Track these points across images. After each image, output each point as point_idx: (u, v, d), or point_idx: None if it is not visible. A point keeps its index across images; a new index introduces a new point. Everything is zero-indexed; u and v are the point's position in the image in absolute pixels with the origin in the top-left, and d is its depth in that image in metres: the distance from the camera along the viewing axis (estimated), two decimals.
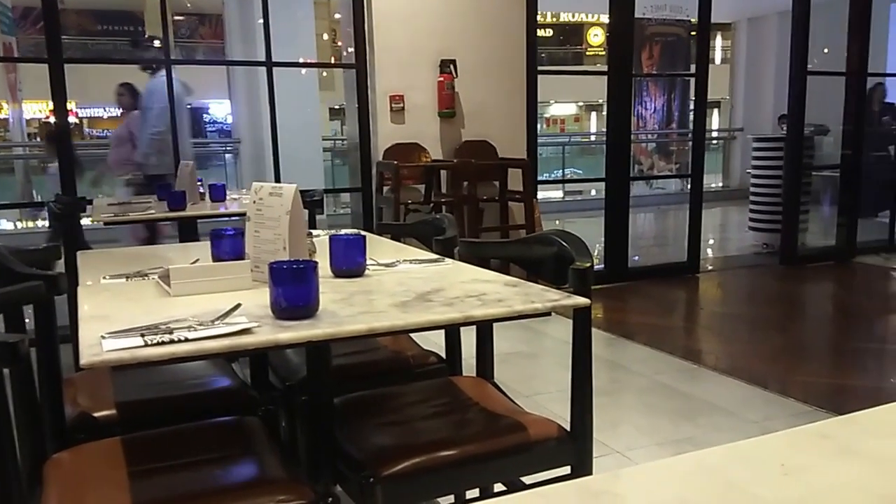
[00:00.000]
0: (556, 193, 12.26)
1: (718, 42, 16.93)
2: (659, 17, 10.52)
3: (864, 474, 0.57)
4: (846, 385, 3.32)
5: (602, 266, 5.62)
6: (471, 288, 1.39)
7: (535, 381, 3.29)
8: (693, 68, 5.82)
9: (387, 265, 1.63)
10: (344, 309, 1.23)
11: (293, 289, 1.16)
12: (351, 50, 4.75)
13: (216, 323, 1.12)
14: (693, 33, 5.93)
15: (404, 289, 1.39)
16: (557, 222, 9.81)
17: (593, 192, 10.73)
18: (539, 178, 5.38)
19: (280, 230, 1.41)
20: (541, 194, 5.41)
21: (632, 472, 0.58)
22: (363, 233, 1.92)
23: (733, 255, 6.89)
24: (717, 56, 17.05)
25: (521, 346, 3.81)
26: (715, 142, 13.08)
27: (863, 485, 0.55)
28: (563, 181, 12.33)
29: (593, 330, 4.70)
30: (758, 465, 0.58)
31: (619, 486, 0.56)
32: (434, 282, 1.46)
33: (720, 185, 12.36)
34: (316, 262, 1.22)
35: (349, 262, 1.51)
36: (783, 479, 0.56)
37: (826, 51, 6.75)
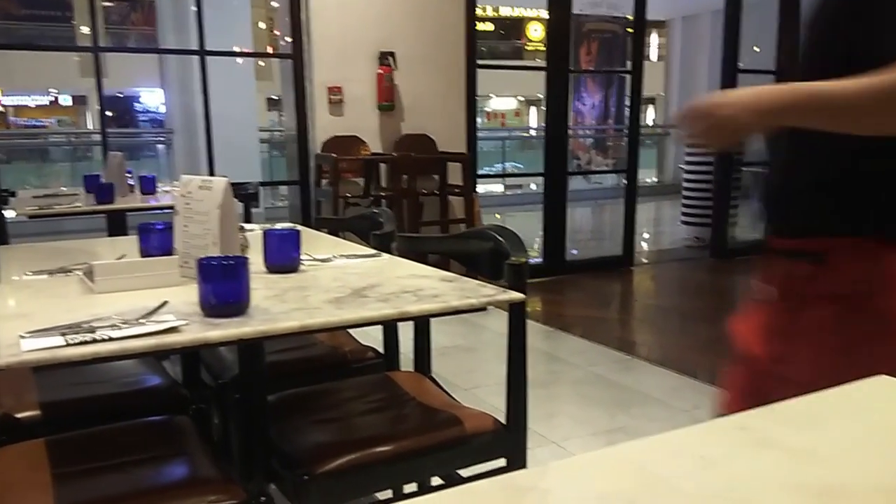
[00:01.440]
0: (496, 187, 12.36)
1: (654, 39, 17.33)
2: (596, 13, 10.69)
3: (779, 465, 0.59)
4: None
5: (540, 259, 5.70)
6: (407, 283, 1.39)
7: (474, 375, 3.32)
8: (629, 65, 5.94)
9: (322, 260, 1.61)
10: (277, 305, 1.21)
11: (223, 285, 1.13)
12: (289, 39, 4.67)
13: (142, 321, 1.09)
14: (630, 30, 6.04)
15: (339, 284, 1.37)
16: (498, 216, 9.90)
17: (533, 187, 10.86)
18: (479, 172, 5.42)
19: (210, 225, 1.38)
20: (481, 188, 5.44)
21: (558, 466, 0.59)
22: (299, 227, 1.89)
23: (667, 248, 7.09)
24: (654, 53, 17.46)
25: (461, 340, 3.83)
26: (650, 138, 13.40)
27: (778, 475, 0.57)
28: (504, 175, 12.44)
29: (532, 323, 4.75)
30: (679, 457, 0.60)
31: (546, 482, 0.57)
32: (370, 277, 1.45)
33: (655, 180, 12.68)
34: (246, 258, 1.20)
35: (283, 257, 1.49)
36: (703, 471, 0.58)
37: (757, 49, 6.97)
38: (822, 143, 1.02)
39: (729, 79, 5.96)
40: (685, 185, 7.08)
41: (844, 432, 0.66)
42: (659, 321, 4.65)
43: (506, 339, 1.51)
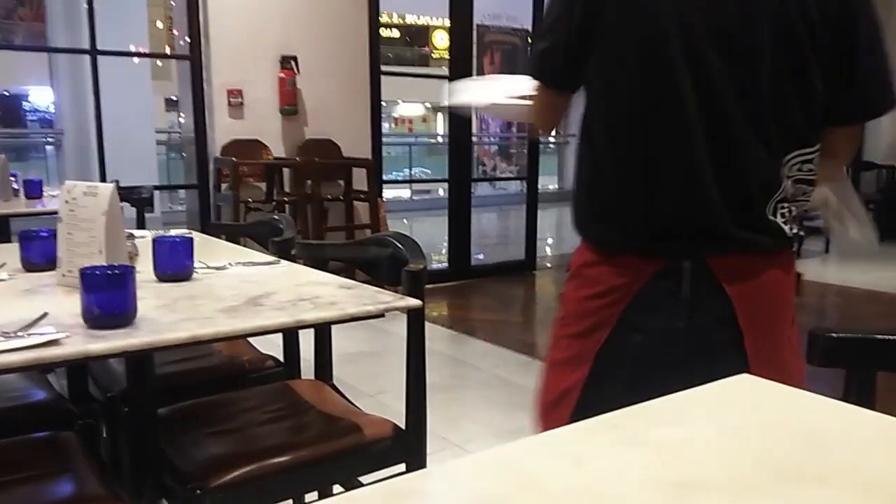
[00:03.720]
0: (404, 192, 12.40)
1: None
2: (497, 25, 10.92)
3: (645, 461, 0.63)
4: None
5: (446, 265, 5.76)
6: (305, 291, 1.38)
7: (379, 380, 3.32)
8: None
9: (217, 268, 1.57)
10: (166, 316, 1.17)
11: (107, 296, 1.09)
12: (188, 39, 4.53)
13: (20, 334, 1.03)
14: (530, 41, 6.21)
15: (234, 293, 1.35)
16: (405, 221, 9.93)
17: (441, 192, 10.97)
18: (385, 177, 5.42)
19: (96, 233, 1.32)
20: (388, 193, 5.46)
21: (440, 470, 0.61)
22: (194, 233, 1.84)
23: (567, 252, 7.28)
24: None
25: (366, 346, 3.82)
26: (551, 146, 13.79)
27: (646, 472, 0.61)
28: (410, 181, 12.48)
29: (437, 327, 4.79)
30: (553, 457, 0.63)
31: (428, 485, 0.59)
32: (267, 285, 1.43)
33: (556, 186, 13.06)
34: (132, 267, 1.16)
35: (175, 265, 1.44)
36: (574, 469, 0.61)
37: None
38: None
39: None
40: None
41: (708, 429, 0.71)
42: None
43: None
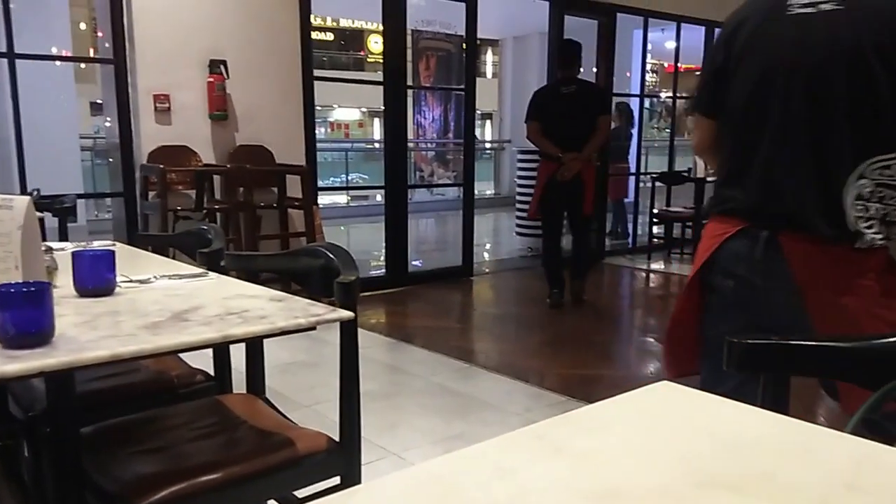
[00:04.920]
0: (341, 198, 12.29)
1: (490, 57, 18.06)
2: (431, 31, 10.97)
3: (568, 470, 0.65)
4: (597, 375, 3.70)
5: (383, 271, 5.74)
6: (233, 304, 1.35)
7: (315, 391, 3.28)
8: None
9: (141, 282, 1.53)
10: (86, 333, 1.13)
11: (22, 314, 1.05)
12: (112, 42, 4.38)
13: None
14: (465, 46, 6.26)
15: (159, 308, 1.31)
16: (343, 228, 9.84)
17: (378, 198, 10.92)
18: (322, 183, 5.36)
19: (11, 248, 1.27)
20: (326, 199, 5.40)
21: (366, 487, 0.61)
22: (117, 245, 1.78)
23: (504, 258, 7.38)
24: (489, 70, 18.18)
25: (303, 355, 3.77)
26: (488, 152, 13.92)
27: (568, 482, 0.63)
28: (345, 188, 12.38)
29: (375, 335, 4.74)
30: (477, 470, 0.64)
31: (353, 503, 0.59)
32: (193, 299, 1.39)
33: (493, 192, 13.18)
34: (49, 284, 1.11)
35: (96, 279, 1.40)
36: (498, 481, 0.62)
37: (582, 70, 7.45)
38: None
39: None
40: (518, 197, 7.43)
41: (628, 437, 0.73)
42: (496, 329, 4.84)
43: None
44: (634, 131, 8.40)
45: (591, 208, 5.04)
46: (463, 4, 5.78)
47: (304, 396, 3.20)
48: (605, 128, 4.86)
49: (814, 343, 0.89)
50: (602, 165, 7.01)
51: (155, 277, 1.57)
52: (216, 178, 4.63)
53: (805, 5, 1.41)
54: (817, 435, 0.71)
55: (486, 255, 7.57)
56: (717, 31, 6.77)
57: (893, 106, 1.33)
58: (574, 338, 4.50)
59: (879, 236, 1.36)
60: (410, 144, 12.15)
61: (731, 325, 1.49)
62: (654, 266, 6.84)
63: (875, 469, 0.66)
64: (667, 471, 0.65)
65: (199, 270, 1.70)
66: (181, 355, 1.95)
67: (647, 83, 10.50)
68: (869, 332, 1.23)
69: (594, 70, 6.87)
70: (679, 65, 8.12)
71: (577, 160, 4.69)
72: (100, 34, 4.61)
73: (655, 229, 7.34)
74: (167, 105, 4.42)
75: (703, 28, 7.63)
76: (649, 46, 8.51)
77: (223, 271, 1.76)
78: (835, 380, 0.87)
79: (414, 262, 6.54)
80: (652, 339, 4.50)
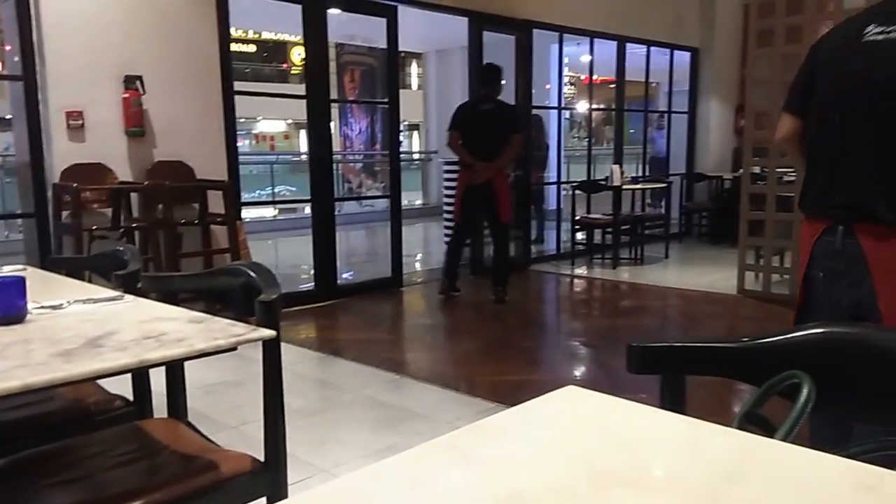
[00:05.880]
0: (269, 212, 12.09)
1: (415, 69, 18.18)
2: (353, 44, 10.96)
3: (477, 477, 0.68)
4: (525, 380, 3.77)
5: (313, 285, 5.69)
6: (150, 328, 1.33)
7: (243, 410, 3.23)
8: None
9: (54, 308, 1.49)
10: None
11: None
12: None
13: None
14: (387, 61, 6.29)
15: (72, 334, 1.28)
16: (270, 242, 9.68)
17: (307, 210, 10.80)
18: (247, 197, 5.29)
19: None
20: (252, 213, 5.32)
21: None
22: (29, 269, 1.73)
23: (434, 267, 7.42)
24: (414, 82, 18.29)
25: (230, 375, 3.71)
26: (416, 162, 13.98)
27: (475, 488, 0.66)
28: (271, 202, 12.20)
29: (304, 350, 4.69)
30: (391, 481, 0.66)
31: None
32: (108, 324, 1.37)
33: (422, 202, 13.24)
34: None
35: (5, 307, 1.35)
36: (410, 492, 0.64)
37: (503, 81, 7.60)
38: None
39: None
40: (445, 206, 7.50)
41: (534, 442, 0.77)
42: (426, 339, 4.87)
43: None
44: (552, 142, 8.62)
45: (508, 216, 5.52)
46: (384, 20, 5.82)
47: (230, 417, 3.14)
48: (516, 145, 5.38)
49: (704, 344, 0.95)
50: (524, 177, 7.18)
51: (68, 303, 1.53)
52: (133, 195, 4.50)
53: (879, 33, 1.75)
54: (706, 431, 0.77)
55: (416, 265, 7.60)
56: (627, 45, 7.01)
57: None
58: (503, 344, 4.58)
59: None
60: (337, 157, 12.11)
61: (818, 314, 1.88)
62: (577, 271, 7.02)
63: (756, 460, 0.72)
64: (568, 471, 0.70)
65: (115, 293, 1.66)
66: (99, 381, 1.90)
67: (565, 95, 10.79)
68: None
69: (514, 83, 7.03)
70: (594, 77, 8.39)
71: (488, 168, 5.23)
72: (7, 47, 4.42)
73: (578, 236, 7.54)
74: (80, 122, 4.27)
75: (615, 42, 7.91)
76: (566, 60, 8.77)
77: (141, 293, 1.73)
78: (722, 377, 0.94)
79: (344, 275, 6.51)
80: (577, 343, 4.62)
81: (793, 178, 5.50)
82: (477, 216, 5.55)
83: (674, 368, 0.94)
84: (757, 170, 5.91)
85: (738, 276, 5.74)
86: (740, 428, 0.80)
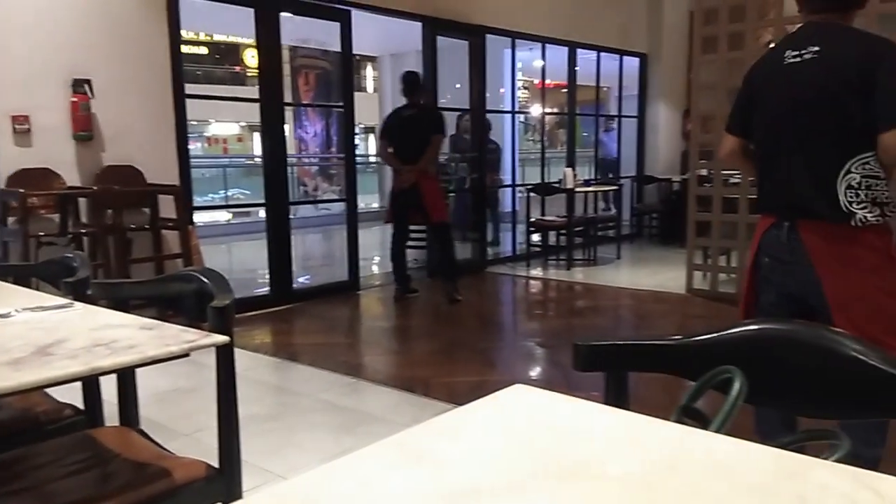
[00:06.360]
0: (223, 216, 11.92)
1: (370, 72, 18.13)
2: (307, 47, 10.89)
3: (426, 475, 0.70)
4: (482, 381, 3.81)
5: (268, 290, 5.64)
6: (100, 335, 1.32)
7: (196, 417, 3.19)
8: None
9: (1, 316, 1.46)
10: None
11: None
12: None
13: None
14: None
15: (21, 342, 1.26)
16: (224, 246, 9.55)
17: (261, 214, 10.67)
18: (200, 200, 5.22)
19: None
20: (205, 217, 5.25)
21: None
22: None
23: (391, 270, 7.42)
24: (370, 85, 18.24)
25: (183, 382, 3.66)
26: (372, 165, 13.95)
27: (427, 486, 0.68)
28: (224, 206, 12.02)
29: (260, 356, 4.64)
30: (342, 484, 0.68)
31: None
32: (58, 332, 1.35)
33: (379, 205, 13.21)
34: None
35: None
36: (363, 491, 0.66)
37: (458, 85, 7.66)
38: None
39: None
40: None
41: (484, 439, 0.80)
42: (383, 341, 4.88)
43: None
44: (506, 146, 8.70)
45: (442, 216, 5.65)
46: (338, 24, 5.81)
47: (183, 424, 3.10)
48: (436, 144, 5.54)
49: (644, 342, 1.00)
50: (480, 180, 7.24)
51: (16, 311, 1.51)
52: (82, 200, 4.40)
53: (794, 56, 2.01)
54: (646, 424, 0.81)
55: (374, 268, 7.58)
56: (578, 51, 7.15)
57: (863, 120, 1.88)
58: (459, 346, 4.62)
59: (872, 215, 1.90)
60: (292, 160, 12.00)
61: (767, 295, 2.12)
62: (532, 272, 7.11)
63: (691, 451, 0.76)
64: (519, 466, 0.73)
65: (64, 301, 1.64)
66: (48, 390, 1.87)
67: (519, 99, 10.89)
68: (864, 292, 1.92)
69: (469, 87, 7.09)
70: (547, 82, 8.51)
71: (412, 171, 5.42)
72: None
73: (533, 237, 7.63)
74: (27, 126, 4.17)
75: (566, 48, 8.04)
76: (519, 65, 8.86)
77: (91, 301, 1.71)
78: (662, 373, 0.98)
79: (300, 279, 6.47)
80: (533, 343, 4.69)
81: (738, 181, 5.67)
82: (409, 218, 5.71)
83: (616, 366, 0.99)
84: (704, 172, 6.08)
85: (687, 275, 5.89)
86: (678, 421, 0.84)
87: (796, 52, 2.00)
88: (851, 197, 1.90)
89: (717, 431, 0.80)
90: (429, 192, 5.52)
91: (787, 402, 0.99)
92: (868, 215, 1.90)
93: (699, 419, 0.83)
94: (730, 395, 0.82)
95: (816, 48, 1.96)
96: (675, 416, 0.85)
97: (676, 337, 0.96)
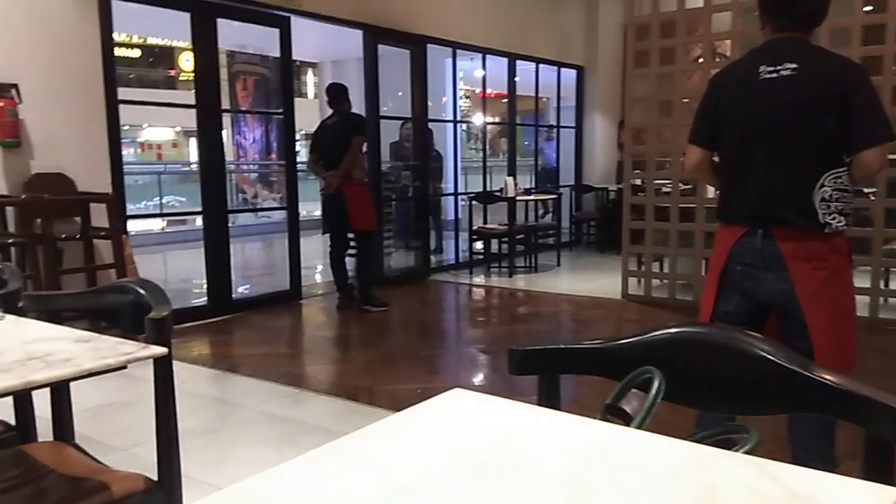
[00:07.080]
0: (157, 224, 11.62)
1: (311, 78, 18.00)
2: (245, 52, 10.76)
3: (368, 477, 0.73)
4: (426, 388, 3.84)
5: (206, 300, 5.54)
6: (34, 348, 1.30)
7: (132, 432, 3.13)
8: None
9: None
10: None
11: None
12: None
13: None
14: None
15: None
16: (159, 256, 9.32)
17: (198, 222, 10.46)
18: (133, 209, 5.09)
19: None
20: (140, 225, 5.12)
21: None
22: None
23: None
24: (311, 91, 18.12)
25: (118, 396, 3.57)
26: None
27: (369, 487, 0.71)
28: (158, 215, 11.74)
29: (199, 368, 4.57)
30: (283, 486, 0.71)
31: None
32: None
33: (321, 213, 13.07)
34: None
35: None
36: (307, 495, 0.69)
37: (400, 94, 7.69)
38: None
39: (371, 123, 6.42)
40: None
41: (424, 441, 0.84)
42: (325, 351, 4.86)
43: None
44: (448, 155, 8.78)
45: (364, 224, 5.65)
46: (277, 30, 5.78)
47: (120, 439, 3.04)
48: (355, 146, 5.51)
49: (573, 346, 1.05)
50: (422, 188, 7.29)
51: None
52: (9, 210, 4.25)
53: (770, 72, 2.07)
54: (573, 423, 0.86)
55: (317, 276, 7.53)
56: (517, 62, 7.25)
57: (838, 136, 2.01)
58: (403, 353, 4.64)
59: (839, 223, 2.03)
60: (231, 167, 11.80)
61: (726, 304, 2.20)
62: (475, 280, 7.19)
63: (611, 447, 0.81)
64: (449, 465, 0.76)
65: None
66: None
67: (461, 108, 11.01)
68: (832, 294, 2.05)
69: (410, 96, 7.13)
70: (488, 91, 8.64)
71: (335, 176, 5.46)
72: None
73: (476, 245, 7.72)
74: None
75: (506, 59, 8.19)
76: (461, 74, 8.96)
77: (22, 313, 1.67)
78: (591, 375, 1.04)
79: (239, 289, 6.37)
80: (475, 350, 4.75)
81: (668, 191, 5.88)
82: (335, 224, 5.70)
83: (547, 369, 1.04)
84: (638, 182, 6.28)
85: (622, 281, 6.07)
86: (603, 419, 0.89)
87: (772, 68, 2.06)
88: (824, 209, 2.02)
89: (639, 428, 0.85)
90: (353, 198, 5.52)
91: (704, 400, 1.06)
92: (837, 225, 2.03)
93: (622, 417, 0.89)
94: (649, 394, 0.88)
95: (794, 65, 2.03)
96: (601, 414, 0.90)
97: (598, 340, 1.02)
